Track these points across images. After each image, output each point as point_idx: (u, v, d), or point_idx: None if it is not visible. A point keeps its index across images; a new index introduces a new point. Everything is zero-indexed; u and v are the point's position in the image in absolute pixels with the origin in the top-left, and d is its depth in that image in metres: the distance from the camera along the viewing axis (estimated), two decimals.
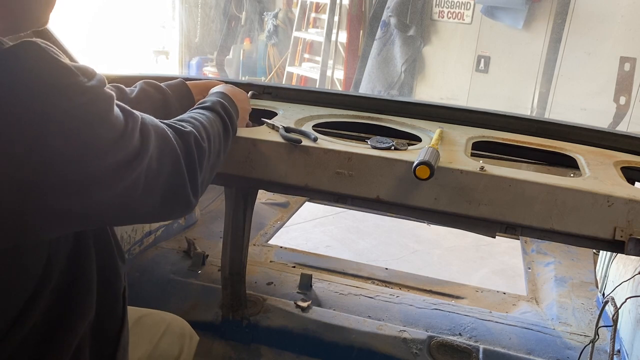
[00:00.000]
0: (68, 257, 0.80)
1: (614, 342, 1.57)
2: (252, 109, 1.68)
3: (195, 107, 1.13)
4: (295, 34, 6.13)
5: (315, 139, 1.34)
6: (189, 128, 0.94)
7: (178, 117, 1.02)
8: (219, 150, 1.05)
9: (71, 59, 1.58)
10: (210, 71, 6.13)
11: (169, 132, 0.88)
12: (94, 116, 0.71)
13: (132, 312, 1.04)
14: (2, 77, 0.64)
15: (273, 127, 1.42)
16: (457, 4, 5.01)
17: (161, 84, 1.37)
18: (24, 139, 0.65)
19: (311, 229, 3.68)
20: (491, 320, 1.92)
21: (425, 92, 5.31)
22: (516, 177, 1.22)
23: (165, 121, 0.94)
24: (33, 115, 0.65)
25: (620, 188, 1.21)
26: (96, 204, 0.73)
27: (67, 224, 0.75)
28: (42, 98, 0.66)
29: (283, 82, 6.15)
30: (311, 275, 2.08)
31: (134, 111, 0.81)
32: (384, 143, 1.36)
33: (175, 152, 0.86)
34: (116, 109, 0.76)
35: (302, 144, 1.32)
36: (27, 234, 0.71)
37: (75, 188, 0.70)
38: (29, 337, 0.78)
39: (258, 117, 1.62)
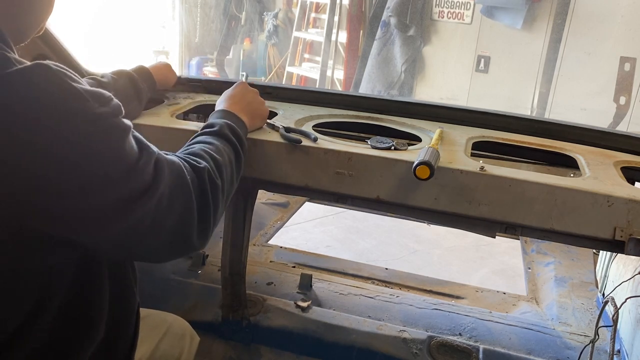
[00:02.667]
0: (76, 280, 0.77)
1: (614, 342, 1.57)
2: None
3: (202, 131, 1.08)
4: (295, 34, 6.13)
5: (315, 139, 1.34)
6: (203, 164, 0.90)
7: (189, 150, 0.97)
8: (232, 179, 1.03)
9: (72, 59, 1.58)
10: (210, 71, 6.13)
11: (184, 167, 0.84)
12: (101, 145, 0.68)
13: None
14: (9, 99, 0.63)
15: (273, 127, 1.42)
16: (457, 4, 5.01)
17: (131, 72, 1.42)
18: (27, 163, 0.63)
19: (311, 229, 3.68)
20: (491, 320, 1.92)
21: (425, 92, 5.31)
22: (516, 177, 1.22)
23: (180, 155, 0.91)
24: (37, 139, 0.63)
25: (620, 188, 1.21)
26: (98, 236, 0.71)
27: (65, 252, 0.72)
28: (48, 122, 0.64)
29: (283, 82, 6.15)
30: (311, 275, 2.08)
31: (151, 145, 0.78)
32: (384, 143, 1.36)
33: (188, 190, 0.83)
34: (131, 141, 0.72)
35: (302, 144, 1.32)
36: (24, 258, 0.69)
37: (76, 219, 0.68)
38: (31, 356, 0.76)
39: None
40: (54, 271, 0.74)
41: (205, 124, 1.13)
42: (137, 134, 0.76)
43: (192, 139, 1.05)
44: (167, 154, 0.84)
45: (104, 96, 0.70)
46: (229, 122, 1.12)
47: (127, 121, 0.73)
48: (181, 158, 0.88)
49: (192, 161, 0.89)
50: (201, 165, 0.89)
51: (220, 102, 1.26)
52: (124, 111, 0.73)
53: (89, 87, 0.69)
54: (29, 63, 0.66)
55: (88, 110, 0.67)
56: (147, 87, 1.44)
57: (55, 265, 0.74)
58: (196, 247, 0.89)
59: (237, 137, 1.10)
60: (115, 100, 0.72)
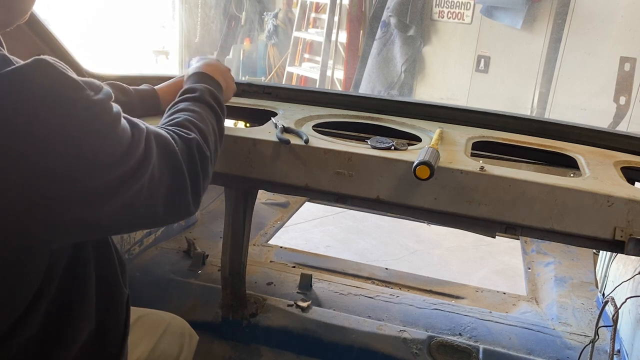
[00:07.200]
0: (66, 266, 0.80)
1: (614, 342, 1.57)
2: (253, 109, 1.68)
3: (183, 96, 1.10)
4: (295, 34, 6.13)
5: (306, 141, 1.33)
6: (192, 135, 0.94)
7: (175, 121, 0.99)
8: (216, 146, 1.05)
9: (71, 58, 1.58)
10: None
11: (171, 140, 0.88)
12: (100, 130, 0.72)
13: (132, 312, 1.04)
14: (12, 95, 0.65)
15: (275, 126, 1.42)
16: (457, 4, 5.01)
17: (128, 87, 1.37)
18: (32, 154, 0.66)
19: (311, 229, 3.67)
20: (491, 320, 1.92)
21: (425, 92, 5.31)
22: (516, 177, 1.22)
23: (167, 126, 0.94)
24: (41, 131, 0.66)
25: (620, 188, 1.21)
26: (100, 214, 0.74)
27: (70, 234, 0.75)
28: (50, 114, 0.67)
29: (283, 82, 6.15)
30: (311, 275, 2.08)
31: (139, 121, 0.81)
32: (384, 143, 1.36)
33: (177, 160, 0.87)
34: (123, 121, 0.77)
35: (300, 144, 1.32)
36: (30, 244, 0.71)
37: (81, 201, 0.71)
38: (26, 347, 0.77)
39: (258, 117, 1.63)
40: (53, 255, 0.77)
41: (184, 88, 1.14)
42: (125, 114, 0.79)
43: (174, 104, 1.07)
44: (154, 127, 0.87)
45: (96, 84, 0.74)
46: (209, 86, 1.14)
47: (116, 105, 0.77)
48: (169, 130, 0.92)
49: (180, 132, 0.93)
50: (190, 137, 0.93)
51: (195, 66, 1.26)
52: (113, 96, 0.77)
53: (81, 77, 0.72)
54: (27, 61, 0.68)
55: (86, 98, 0.70)
56: (141, 108, 1.37)
57: (56, 251, 0.77)
58: (191, 212, 0.93)
59: (218, 102, 1.13)
60: (106, 87, 0.76)
